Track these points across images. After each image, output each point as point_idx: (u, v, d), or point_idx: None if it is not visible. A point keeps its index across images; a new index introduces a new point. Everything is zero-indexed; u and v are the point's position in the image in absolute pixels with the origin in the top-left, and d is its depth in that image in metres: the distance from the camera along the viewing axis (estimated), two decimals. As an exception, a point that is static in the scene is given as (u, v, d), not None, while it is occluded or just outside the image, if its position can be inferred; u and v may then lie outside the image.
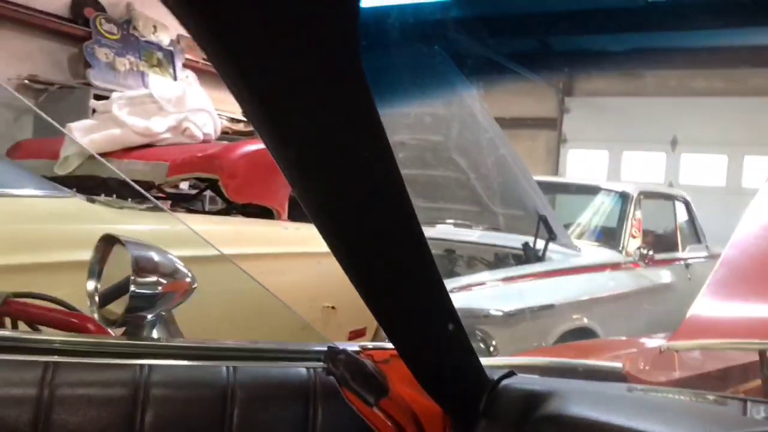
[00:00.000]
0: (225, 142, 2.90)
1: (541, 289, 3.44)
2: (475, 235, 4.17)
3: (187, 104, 2.88)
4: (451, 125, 3.75)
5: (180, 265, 0.92)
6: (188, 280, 0.91)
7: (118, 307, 0.90)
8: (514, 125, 8.03)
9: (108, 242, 0.95)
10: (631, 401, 0.77)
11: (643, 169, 8.64)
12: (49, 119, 1.92)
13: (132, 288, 0.85)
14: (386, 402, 0.92)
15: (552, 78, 8.85)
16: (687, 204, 5.14)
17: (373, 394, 0.91)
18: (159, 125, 2.78)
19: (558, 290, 3.49)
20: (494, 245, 4.02)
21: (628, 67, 7.95)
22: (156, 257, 0.89)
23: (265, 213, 2.82)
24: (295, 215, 3.16)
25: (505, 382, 0.81)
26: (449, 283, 3.20)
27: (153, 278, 0.87)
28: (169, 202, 3.13)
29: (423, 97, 3.49)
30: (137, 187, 1.71)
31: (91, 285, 0.94)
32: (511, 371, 0.85)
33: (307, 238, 2.52)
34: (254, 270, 2.20)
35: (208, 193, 3.29)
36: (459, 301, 3.05)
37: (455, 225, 4.29)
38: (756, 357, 1.13)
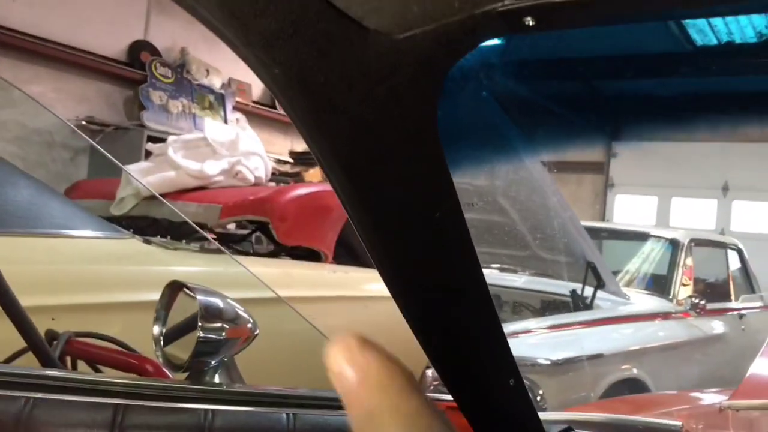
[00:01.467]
0: (276, 185, 2.96)
1: (589, 337, 3.37)
2: (521, 280, 4.13)
3: (240, 148, 2.96)
4: (498, 169, 3.76)
5: (242, 312, 0.94)
6: (250, 326, 0.93)
7: (182, 352, 0.92)
8: (561, 169, 7.99)
9: (174, 288, 0.97)
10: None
11: (693, 215, 8.48)
12: (110, 157, 1.98)
13: (199, 333, 0.87)
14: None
15: (600, 122, 8.81)
16: (740, 252, 5.02)
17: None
18: (212, 168, 2.85)
19: (607, 339, 3.42)
20: (541, 291, 3.98)
21: (676, 113, 7.87)
22: (221, 304, 0.92)
23: (312, 255, 2.85)
24: (338, 255, 3.18)
25: (564, 440, 0.80)
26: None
27: (218, 324, 0.89)
28: (217, 243, 3.19)
29: (474, 145, 3.51)
30: (196, 227, 1.75)
31: (156, 330, 0.97)
32: (569, 427, 0.84)
33: (355, 281, 2.54)
34: (303, 312, 2.22)
35: (255, 234, 3.35)
36: (505, 347, 3.00)
37: (501, 270, 4.26)
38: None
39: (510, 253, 4.20)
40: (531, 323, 3.40)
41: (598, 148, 9.03)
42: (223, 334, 0.89)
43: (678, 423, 0.89)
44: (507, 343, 0.78)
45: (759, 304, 4.77)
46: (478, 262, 0.72)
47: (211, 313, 0.89)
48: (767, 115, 7.92)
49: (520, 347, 2.97)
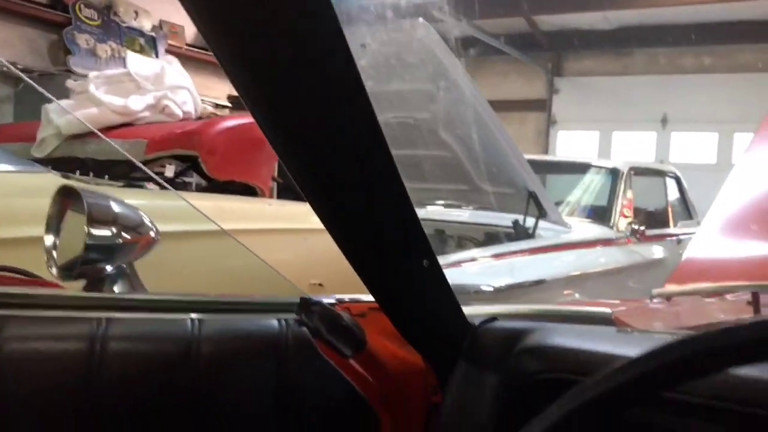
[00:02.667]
0: (204, 119, 2.84)
1: (531, 265, 3.40)
2: (465, 215, 4.12)
3: (166, 82, 2.82)
4: (439, 102, 3.69)
5: (142, 217, 0.87)
6: (148, 231, 0.86)
7: (76, 261, 0.85)
8: (503, 108, 7.98)
9: (66, 195, 0.89)
10: (618, 336, 0.73)
11: (633, 148, 8.60)
12: (39, 89, 1.83)
13: (89, 239, 0.80)
14: (363, 355, 0.88)
15: (541, 58, 8.78)
16: (678, 180, 5.11)
17: (350, 346, 0.86)
18: (137, 103, 2.71)
19: (549, 266, 3.45)
20: (484, 224, 3.98)
21: (616, 45, 7.90)
22: (116, 208, 0.84)
23: (247, 192, 2.77)
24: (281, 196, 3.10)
25: (487, 325, 0.76)
26: (439, 260, 3.14)
27: (110, 229, 0.82)
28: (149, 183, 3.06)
29: (408, 72, 3.43)
30: (138, 163, 1.65)
31: (49, 240, 0.89)
32: (494, 317, 0.80)
33: (293, 215, 2.47)
34: (235, 246, 2.15)
35: (194, 180, 3.23)
36: (449, 277, 3.00)
37: (445, 206, 4.24)
38: (750, 311, 1.08)
39: (454, 188, 4.18)
40: (475, 252, 3.40)
41: (541, 85, 9.04)
42: (117, 239, 0.82)
43: (607, 310, 0.86)
44: (419, 224, 0.73)
45: (695, 229, 4.88)
46: (387, 149, 0.67)
47: (100, 217, 0.81)
48: (704, 45, 8.01)
49: (463, 276, 2.97)
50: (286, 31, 0.58)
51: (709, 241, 1.24)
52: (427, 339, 0.81)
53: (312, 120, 0.63)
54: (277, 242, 2.30)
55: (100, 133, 2.04)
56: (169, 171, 3.04)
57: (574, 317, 0.85)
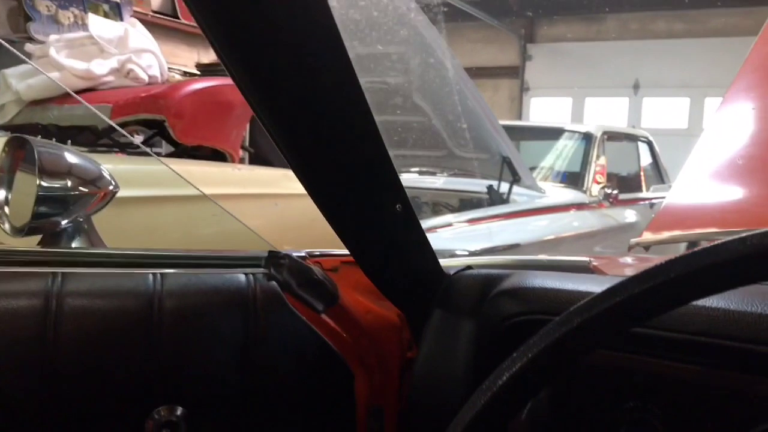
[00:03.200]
0: (170, 83, 2.76)
1: (506, 229, 3.40)
2: (440, 181, 4.11)
3: (130, 45, 2.72)
4: (413, 67, 3.64)
5: (99, 169, 0.82)
6: (105, 183, 0.81)
7: (29, 215, 0.80)
8: (477, 74, 7.92)
9: (17, 146, 0.84)
10: (597, 278, 0.70)
11: (606, 114, 8.62)
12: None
13: (40, 191, 0.75)
14: (335, 310, 0.85)
15: (513, 25, 8.72)
16: (650, 145, 5.14)
17: (322, 301, 0.83)
18: (100, 68, 2.62)
19: (523, 230, 3.46)
20: (459, 190, 3.97)
21: (589, 11, 7.87)
22: (70, 158, 0.79)
23: (216, 158, 2.70)
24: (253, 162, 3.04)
25: (462, 273, 0.74)
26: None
27: (64, 180, 0.77)
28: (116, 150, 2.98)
29: (381, 36, 3.37)
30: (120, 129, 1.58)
31: (0, 194, 0.84)
32: (469, 266, 0.77)
33: (264, 179, 2.42)
34: (208, 211, 2.10)
35: (163, 150, 3.15)
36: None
37: (420, 172, 4.22)
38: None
39: (429, 154, 4.16)
40: (450, 218, 3.38)
41: (513, 52, 8.99)
42: (71, 191, 0.78)
43: (585, 258, 0.84)
44: (392, 167, 0.70)
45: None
46: (358, 87, 0.64)
47: (53, 168, 0.76)
48: (676, 10, 8.02)
49: (438, 241, 2.95)
50: None
51: (686, 191, 1.23)
52: (402, 289, 0.78)
53: (285, 68, 0.59)
54: (247, 207, 2.25)
55: (71, 92, 1.95)
56: (139, 139, 2.96)
57: (552, 266, 0.82)
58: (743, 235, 0.36)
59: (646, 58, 8.21)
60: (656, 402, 0.64)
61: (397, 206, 0.68)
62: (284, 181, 2.50)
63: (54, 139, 2.31)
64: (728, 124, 1.29)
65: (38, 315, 0.70)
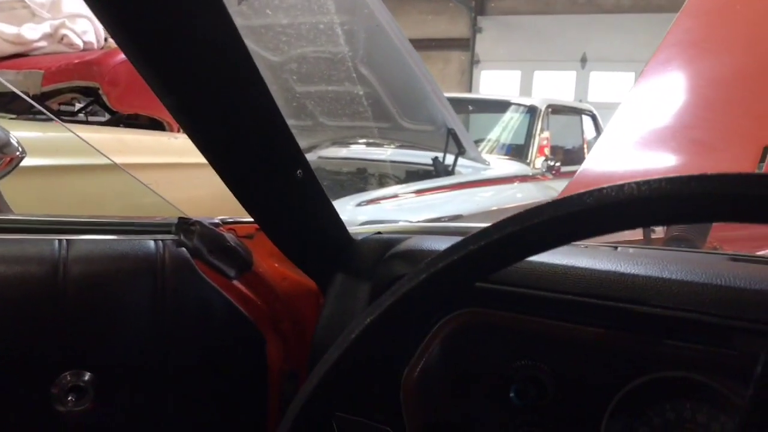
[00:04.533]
0: (104, 49, 2.69)
1: (450, 201, 3.44)
2: (386, 153, 4.12)
3: (63, 9, 2.64)
4: (357, 37, 3.62)
5: (6, 135, 0.81)
6: (17, 153, 0.80)
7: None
8: (427, 47, 7.91)
9: None
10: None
11: (554, 88, 8.73)
12: None
13: (-60, 155, 0.74)
14: (249, 276, 0.86)
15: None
16: (594, 118, 5.23)
17: (235, 267, 0.84)
18: (32, 32, 2.54)
19: (467, 202, 3.51)
20: (406, 162, 3.99)
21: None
22: (-29, 123, 0.77)
23: (154, 127, 2.66)
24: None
25: (366, 238, 0.75)
26: (359, 196, 3.15)
27: (-34, 144, 0.76)
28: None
29: (324, 5, 3.33)
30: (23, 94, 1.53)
31: None
32: (378, 232, 0.79)
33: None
34: (122, 181, 2.06)
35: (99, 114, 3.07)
36: (368, 214, 3.02)
37: (367, 145, 4.22)
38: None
39: (375, 126, 4.15)
40: (395, 189, 3.41)
41: (464, 24, 9.00)
42: (-25, 155, 0.76)
43: (489, 225, 0.86)
44: (290, 134, 0.71)
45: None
46: (248, 54, 0.64)
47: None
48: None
49: (382, 212, 2.97)
50: None
51: (599, 160, 1.27)
52: (309, 255, 0.79)
53: (170, 33, 0.58)
54: (185, 177, 2.23)
55: None
56: (77, 107, 2.88)
57: (458, 232, 0.85)
58: (582, 192, 0.38)
59: (593, 33, 8.32)
60: (546, 361, 0.67)
61: (298, 172, 0.69)
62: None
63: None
64: (645, 96, 1.33)
65: (-65, 281, 0.69)
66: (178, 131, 2.65)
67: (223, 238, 0.83)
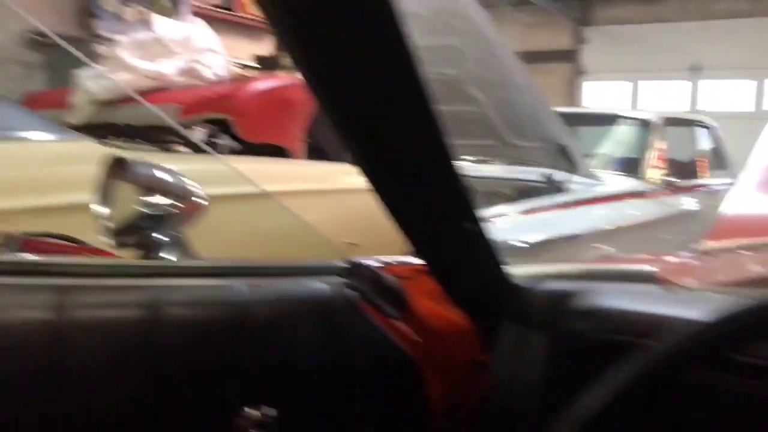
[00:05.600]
0: (235, 82, 2.85)
1: (563, 219, 3.38)
2: (495, 170, 4.10)
3: (195, 45, 2.82)
4: (466, 57, 3.64)
5: (191, 185, 0.89)
6: (198, 198, 0.88)
7: (127, 229, 0.88)
8: (530, 59, 7.82)
9: (114, 164, 0.91)
10: (667, 296, 0.73)
11: (664, 98, 8.42)
12: (72, 49, 1.84)
13: (142, 208, 0.82)
14: (408, 315, 0.90)
15: (568, 8, 8.56)
16: (712, 130, 5.01)
17: (395, 307, 0.88)
18: (168, 68, 2.73)
19: (581, 220, 3.44)
20: (515, 180, 3.96)
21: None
22: (165, 177, 0.86)
23: (278, 155, 2.78)
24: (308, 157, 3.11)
25: (531, 286, 0.78)
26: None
27: (162, 197, 0.84)
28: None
29: (435, 27, 3.38)
30: (178, 127, 1.67)
31: (100, 210, 0.91)
32: (536, 275, 0.81)
33: (325, 175, 2.49)
34: (272, 207, 2.18)
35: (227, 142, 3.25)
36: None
37: (475, 162, 4.22)
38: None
39: (483, 144, 4.15)
40: (505, 208, 3.39)
41: (568, 35, 8.84)
42: (168, 207, 0.85)
43: (652, 268, 0.87)
44: (463, 184, 0.74)
45: (730, 180, 4.80)
46: (433, 107, 0.68)
47: (153, 186, 0.83)
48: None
49: (494, 232, 2.96)
50: None
51: (747, 195, 1.23)
52: (471, 299, 0.83)
53: (359, 78, 0.62)
54: (311, 203, 2.32)
55: (142, 99, 2.05)
56: (198, 134, 3.07)
57: (616, 275, 0.86)
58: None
59: (705, 40, 7.97)
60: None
61: (469, 222, 0.72)
62: (343, 177, 2.56)
63: (125, 139, 2.42)
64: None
65: (144, 325, 0.77)
66: (301, 158, 2.76)
67: (386, 280, 0.88)
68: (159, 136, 2.70)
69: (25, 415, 0.74)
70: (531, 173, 3.86)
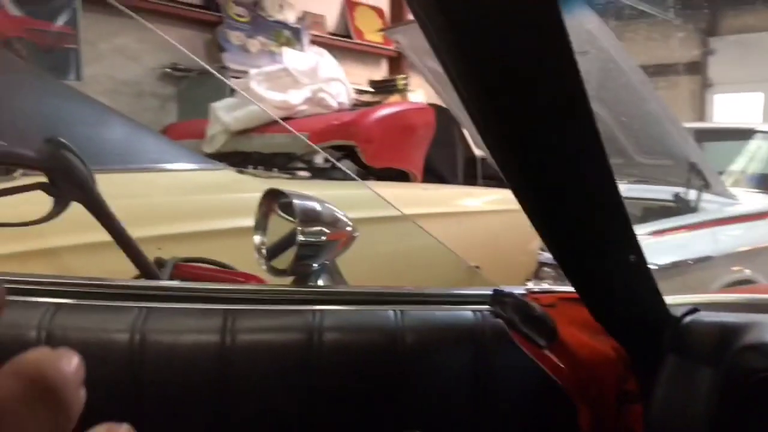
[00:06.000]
0: (360, 109, 2.93)
1: (696, 240, 3.23)
2: (622, 189, 3.97)
3: (320, 74, 2.94)
4: (591, 73, 3.57)
5: (341, 215, 0.93)
6: (349, 229, 0.92)
7: (283, 258, 0.93)
8: (654, 73, 7.54)
9: (271, 196, 0.97)
10: None
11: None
12: (227, 81, 2.00)
13: (299, 237, 0.87)
14: (556, 346, 0.89)
15: (693, 18, 8.19)
16: None
17: (544, 336, 0.88)
18: (295, 97, 2.85)
19: (715, 241, 3.26)
20: (643, 199, 3.82)
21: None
22: (318, 207, 0.91)
23: (400, 178, 2.83)
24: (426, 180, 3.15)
25: (690, 317, 0.75)
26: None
27: (317, 227, 0.88)
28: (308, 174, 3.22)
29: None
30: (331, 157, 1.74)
31: (257, 239, 0.97)
32: (695, 308, 0.79)
33: (448, 197, 2.51)
34: (398, 230, 2.22)
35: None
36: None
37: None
38: None
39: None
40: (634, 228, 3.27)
41: (693, 46, 8.45)
42: (323, 237, 0.89)
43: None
44: (627, 217, 0.73)
45: None
46: (596, 127, 0.67)
47: (309, 217, 0.88)
48: None
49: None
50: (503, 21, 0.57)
51: None
52: (628, 329, 0.81)
53: (526, 109, 0.62)
54: (435, 226, 2.35)
55: (289, 127, 2.14)
56: (318, 160, 3.18)
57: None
58: None
59: None
60: None
61: (631, 257, 0.71)
62: (466, 200, 2.57)
63: (254, 166, 2.54)
64: None
65: (303, 347, 0.81)
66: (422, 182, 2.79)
67: (532, 308, 0.88)
68: (286, 163, 2.82)
69: (196, 426, 0.79)
70: (660, 192, 3.72)
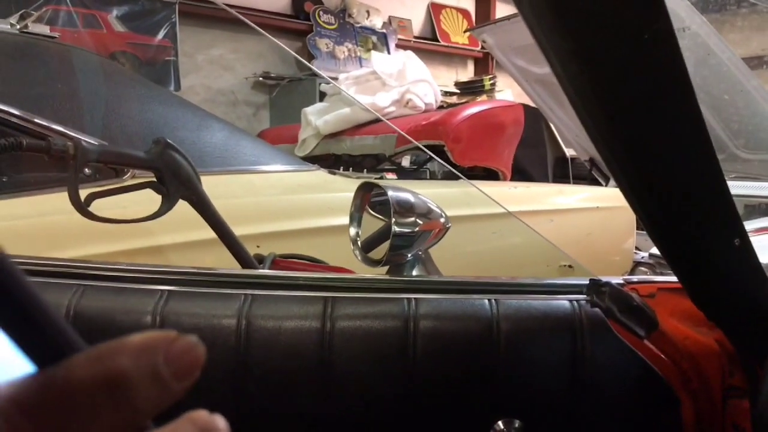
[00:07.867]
0: (447, 109, 2.94)
1: (804, 239, 3.04)
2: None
3: (408, 77, 2.96)
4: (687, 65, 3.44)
5: (434, 206, 0.95)
6: (442, 220, 0.93)
7: (378, 249, 0.95)
8: (756, 65, 7.17)
9: (366, 189, 1.00)
10: None
11: None
12: (336, 85, 2.06)
13: (394, 228, 0.89)
14: (657, 336, 0.87)
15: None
16: None
17: (644, 327, 0.86)
18: (384, 100, 2.89)
19: (827, 240, 3.07)
20: (744, 196, 3.64)
21: None
22: (412, 199, 0.92)
23: (488, 177, 2.82)
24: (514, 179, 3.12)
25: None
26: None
27: (411, 218, 0.90)
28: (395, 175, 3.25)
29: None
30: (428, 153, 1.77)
31: (353, 231, 1.00)
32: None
33: (538, 196, 2.48)
34: (490, 228, 2.22)
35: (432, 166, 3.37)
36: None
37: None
38: None
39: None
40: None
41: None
42: (416, 227, 0.90)
43: None
44: (731, 199, 0.71)
45: None
46: (699, 111, 0.65)
47: (403, 208, 0.90)
48: None
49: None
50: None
51: None
52: (733, 319, 0.78)
53: (633, 95, 0.61)
54: (528, 223, 2.33)
55: (395, 127, 2.18)
56: (406, 161, 3.21)
57: None
58: None
59: None
60: None
61: (736, 241, 0.69)
62: (557, 197, 2.54)
63: (351, 169, 2.59)
64: None
65: (401, 334, 0.83)
66: (511, 180, 2.77)
67: (631, 298, 0.86)
68: (375, 165, 2.87)
69: (301, 407, 0.83)
70: (763, 189, 3.53)
